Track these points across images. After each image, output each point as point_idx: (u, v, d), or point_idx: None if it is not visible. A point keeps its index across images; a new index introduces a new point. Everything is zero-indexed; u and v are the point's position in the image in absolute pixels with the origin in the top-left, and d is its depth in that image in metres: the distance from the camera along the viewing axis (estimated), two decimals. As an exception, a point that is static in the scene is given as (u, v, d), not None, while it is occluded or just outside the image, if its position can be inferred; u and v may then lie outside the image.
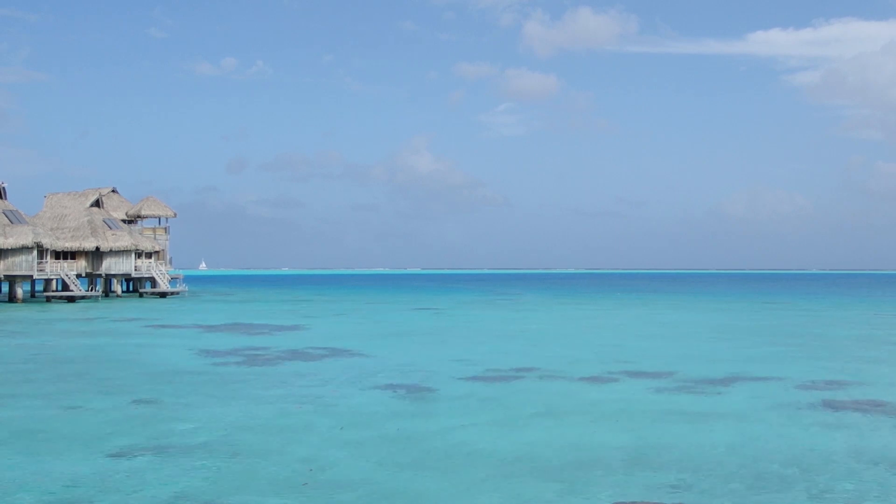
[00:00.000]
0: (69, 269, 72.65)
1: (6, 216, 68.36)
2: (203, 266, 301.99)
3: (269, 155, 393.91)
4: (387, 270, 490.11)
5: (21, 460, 12.75)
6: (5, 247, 66.52)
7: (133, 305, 64.97)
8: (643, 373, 23.70)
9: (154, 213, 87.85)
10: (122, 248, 77.54)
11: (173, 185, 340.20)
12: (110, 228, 78.71)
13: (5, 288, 74.28)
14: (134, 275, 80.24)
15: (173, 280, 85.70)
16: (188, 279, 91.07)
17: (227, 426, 15.44)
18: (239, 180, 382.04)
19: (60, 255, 74.88)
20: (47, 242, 69.85)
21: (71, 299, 70.20)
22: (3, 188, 70.54)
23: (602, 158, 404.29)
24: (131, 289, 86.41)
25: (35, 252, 67.86)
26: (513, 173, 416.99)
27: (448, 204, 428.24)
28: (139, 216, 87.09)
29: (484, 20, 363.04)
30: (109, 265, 77.70)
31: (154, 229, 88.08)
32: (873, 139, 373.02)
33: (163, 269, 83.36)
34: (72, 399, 18.65)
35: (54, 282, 72.51)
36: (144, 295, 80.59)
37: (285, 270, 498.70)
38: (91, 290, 77.59)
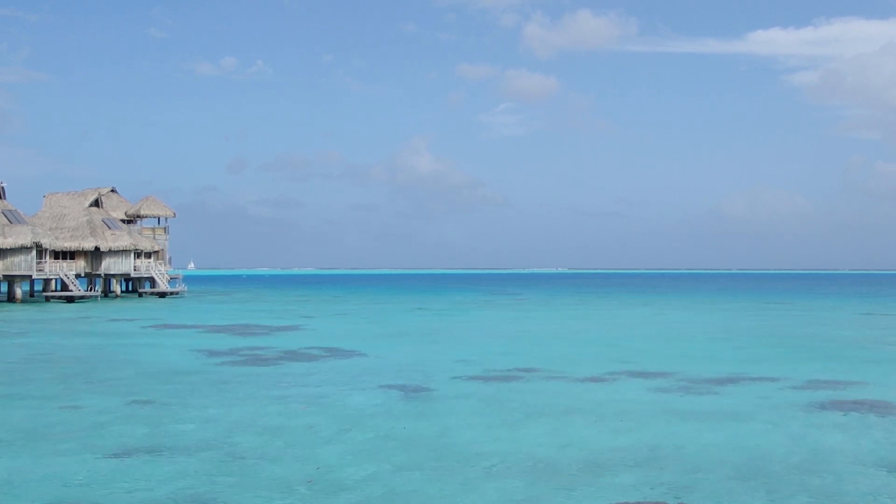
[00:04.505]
0: (68, 269, 72.62)
1: (5, 216, 68.31)
2: (192, 266, 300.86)
3: (269, 155, 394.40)
4: (389, 270, 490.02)
5: (20, 460, 12.74)
6: (4, 247, 66.48)
7: (132, 305, 64.95)
8: (643, 373, 23.69)
9: (153, 212, 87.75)
10: (122, 248, 77.50)
11: (173, 185, 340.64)
12: (109, 228, 78.65)
13: (4, 288, 74.21)
14: (133, 275, 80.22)
15: (172, 280, 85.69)
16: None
17: (228, 426, 15.43)
18: (239, 180, 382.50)
19: (59, 254, 74.81)
20: (46, 242, 69.83)
21: (70, 299, 70.19)
22: (3, 188, 70.50)
23: (602, 158, 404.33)
24: (130, 289, 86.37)
25: (34, 252, 67.85)
26: (513, 173, 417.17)
27: (448, 204, 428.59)
28: (138, 216, 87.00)
29: (484, 21, 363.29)
30: (108, 265, 77.65)
31: (153, 229, 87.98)
32: (873, 139, 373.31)
33: (162, 269, 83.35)
34: (71, 399, 18.63)
35: (53, 282, 72.53)
36: (143, 295, 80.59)
37: (278, 270, 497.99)
38: (90, 290, 77.56)
